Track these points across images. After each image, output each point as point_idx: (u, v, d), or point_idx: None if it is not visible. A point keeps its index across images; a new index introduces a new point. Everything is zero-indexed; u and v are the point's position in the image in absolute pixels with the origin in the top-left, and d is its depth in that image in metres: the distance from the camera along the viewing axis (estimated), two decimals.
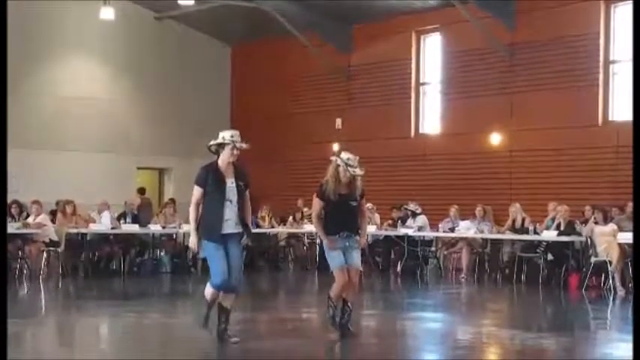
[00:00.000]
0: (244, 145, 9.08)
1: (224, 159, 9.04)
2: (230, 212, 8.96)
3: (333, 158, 9.82)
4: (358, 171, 9.73)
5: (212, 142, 9.12)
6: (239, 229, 9.03)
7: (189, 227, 9.17)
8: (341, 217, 9.68)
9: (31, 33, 21.89)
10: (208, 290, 9.11)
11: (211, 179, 8.99)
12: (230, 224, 8.96)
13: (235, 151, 9.02)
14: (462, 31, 20.13)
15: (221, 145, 9.06)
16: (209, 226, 8.96)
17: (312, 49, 22.29)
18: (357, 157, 9.79)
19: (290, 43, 22.75)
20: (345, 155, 9.78)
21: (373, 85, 22.03)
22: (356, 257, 9.73)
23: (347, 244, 9.67)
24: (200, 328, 9.17)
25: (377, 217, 19.55)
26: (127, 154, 23.33)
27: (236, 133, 9.09)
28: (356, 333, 9.80)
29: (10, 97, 20.97)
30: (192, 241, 9.04)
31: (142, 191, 23.29)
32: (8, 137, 20.38)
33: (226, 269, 8.89)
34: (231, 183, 8.99)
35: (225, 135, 9.07)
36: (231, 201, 8.96)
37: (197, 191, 9.03)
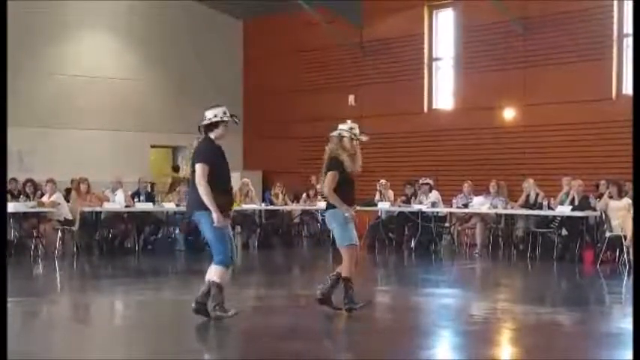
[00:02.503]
0: (237, 121, 9.09)
1: (219, 137, 8.97)
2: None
3: (335, 133, 9.72)
4: (363, 137, 9.77)
5: (213, 120, 8.93)
6: None
7: (211, 206, 8.79)
8: (350, 191, 9.68)
9: (42, 11, 21.88)
10: (219, 272, 8.88)
11: (217, 157, 8.92)
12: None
13: (227, 128, 8.99)
14: (475, 5, 20.04)
15: (215, 124, 8.93)
16: (220, 205, 8.82)
17: (323, 24, 22.22)
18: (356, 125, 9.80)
19: (302, 18, 22.69)
20: (346, 125, 9.72)
21: (386, 61, 21.96)
22: (355, 233, 9.72)
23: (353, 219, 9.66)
24: (219, 314, 8.93)
25: (390, 193, 19.52)
26: (141, 131, 23.35)
27: (225, 109, 9.00)
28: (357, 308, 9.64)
29: (23, 76, 21.11)
30: (219, 218, 8.76)
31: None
32: (22, 116, 20.54)
33: (231, 246, 8.94)
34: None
35: (218, 112, 8.95)
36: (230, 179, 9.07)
37: (206, 169, 8.83)
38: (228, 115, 8.97)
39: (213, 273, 8.92)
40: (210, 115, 8.97)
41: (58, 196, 16.79)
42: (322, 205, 19.56)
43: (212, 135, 8.97)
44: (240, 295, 11.67)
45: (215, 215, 8.77)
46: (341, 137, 9.69)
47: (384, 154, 21.58)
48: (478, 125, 20.02)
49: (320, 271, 15.99)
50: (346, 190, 9.64)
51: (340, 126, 9.80)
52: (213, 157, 8.92)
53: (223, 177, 8.96)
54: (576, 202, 16.31)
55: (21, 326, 9.32)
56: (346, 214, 9.53)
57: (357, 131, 9.73)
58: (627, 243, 14.82)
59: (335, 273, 9.72)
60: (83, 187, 17.45)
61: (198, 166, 8.88)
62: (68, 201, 17.18)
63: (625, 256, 14.91)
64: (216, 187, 8.83)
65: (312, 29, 22.93)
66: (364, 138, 9.83)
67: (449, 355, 8.36)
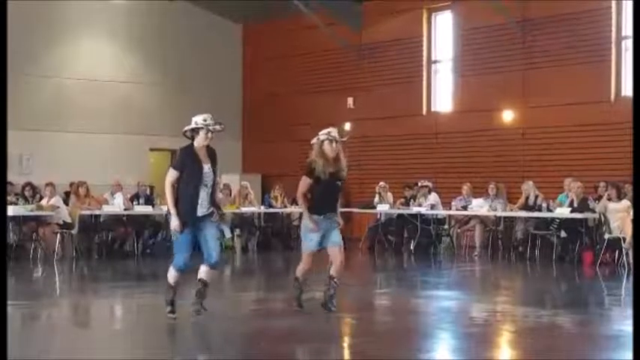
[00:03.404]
0: (218, 128, 9.17)
1: (199, 143, 9.12)
2: (204, 195, 9.09)
3: (314, 140, 9.79)
4: (344, 138, 9.78)
5: (186, 128, 9.18)
6: (210, 210, 9.15)
7: (171, 210, 9.11)
8: (327, 196, 9.70)
9: (41, 15, 21.88)
10: (171, 274, 9.21)
11: (189, 164, 9.08)
12: (203, 207, 9.09)
13: (210, 135, 9.11)
14: (473, 7, 20.04)
15: (195, 130, 9.13)
16: (184, 210, 9.03)
17: (322, 27, 22.22)
18: (337, 129, 9.83)
19: (301, 21, 22.68)
20: (324, 131, 9.76)
21: (385, 64, 21.95)
22: (337, 235, 9.76)
23: (329, 224, 9.70)
24: (166, 312, 9.21)
25: (390, 195, 19.53)
26: (140, 135, 23.33)
27: (209, 116, 9.16)
28: (337, 310, 9.75)
29: (23, 79, 21.10)
30: (175, 224, 9.03)
31: None
32: (22, 119, 20.52)
33: (189, 253, 9.09)
34: (207, 168, 9.10)
35: (198, 119, 9.14)
36: (206, 185, 9.10)
37: (173, 173, 9.11)
38: (207, 121, 9.10)
39: (170, 275, 9.25)
40: (192, 121, 9.18)
41: (57, 200, 16.80)
42: None
43: (195, 141, 9.16)
44: (239, 298, 11.69)
45: (173, 220, 9.06)
46: (321, 142, 9.68)
47: (383, 157, 21.58)
48: (477, 127, 20.01)
49: (319, 273, 16.01)
50: (321, 196, 9.69)
51: (322, 131, 9.81)
52: (184, 163, 9.11)
53: (191, 186, 9.06)
54: (575, 204, 16.32)
55: (20, 329, 9.32)
56: (309, 225, 9.68)
57: (335, 134, 9.71)
58: (626, 245, 14.83)
59: (329, 275, 9.82)
60: (82, 190, 17.45)
61: (169, 171, 9.23)
62: (67, 204, 17.17)
63: (624, 257, 14.92)
64: (185, 192, 9.07)
65: (311, 32, 22.92)
66: (344, 138, 9.84)
67: (449, 357, 8.36)
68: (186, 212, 9.05)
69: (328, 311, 9.71)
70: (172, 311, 9.23)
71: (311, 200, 9.73)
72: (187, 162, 9.10)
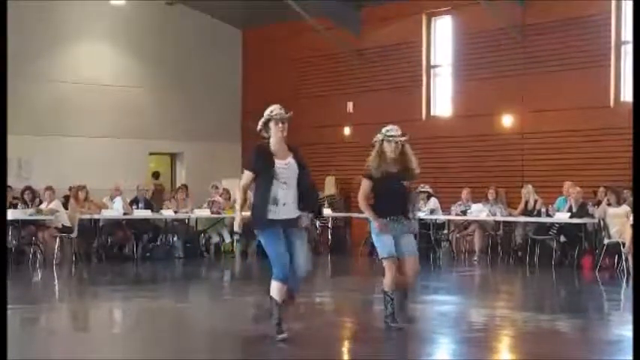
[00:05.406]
0: (286, 115, 8.52)
1: (276, 137, 8.48)
2: (286, 195, 8.39)
3: (375, 138, 9.42)
4: (402, 138, 9.29)
5: (259, 128, 8.59)
6: (297, 214, 8.45)
7: (237, 209, 8.51)
8: (389, 198, 9.16)
9: (42, 18, 21.89)
10: (274, 288, 8.49)
11: (262, 161, 8.42)
12: (287, 209, 8.39)
13: (280, 125, 8.44)
14: (473, 12, 20.04)
15: (266, 124, 8.58)
16: (259, 212, 8.38)
17: (322, 32, 22.23)
18: (398, 128, 9.42)
19: (300, 26, 22.69)
20: (385, 128, 9.41)
21: (384, 68, 21.95)
22: (411, 243, 9.18)
23: (398, 228, 9.13)
24: (277, 336, 8.46)
25: None
26: (140, 139, 23.32)
27: (277, 107, 8.60)
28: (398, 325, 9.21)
29: (22, 83, 21.07)
30: (237, 222, 8.49)
31: (156, 175, 23.17)
32: (21, 124, 20.50)
33: (286, 259, 8.38)
34: (284, 164, 8.44)
35: (266, 112, 8.60)
36: (285, 183, 8.40)
37: (246, 175, 8.47)
38: (274, 112, 8.54)
39: (273, 288, 8.55)
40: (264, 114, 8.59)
41: (56, 204, 16.79)
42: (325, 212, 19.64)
43: (271, 138, 8.55)
44: (239, 302, 11.69)
45: (236, 219, 8.54)
46: (381, 142, 9.37)
47: None
48: (476, 132, 20.01)
49: (318, 278, 16.01)
50: (382, 198, 9.20)
51: (384, 128, 9.49)
52: (257, 162, 8.49)
53: (265, 185, 8.40)
54: (574, 209, 16.32)
55: (20, 334, 9.31)
56: (374, 225, 9.15)
57: (393, 133, 9.36)
58: (625, 250, 14.82)
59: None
60: (81, 194, 17.45)
61: (244, 172, 8.57)
62: (67, 208, 17.16)
63: (623, 263, 14.92)
64: (258, 195, 8.47)
65: (310, 37, 22.92)
66: (403, 138, 9.40)
67: None
68: (260, 214, 8.37)
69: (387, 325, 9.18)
70: (281, 331, 8.43)
71: (373, 202, 9.21)
72: (260, 160, 8.43)
